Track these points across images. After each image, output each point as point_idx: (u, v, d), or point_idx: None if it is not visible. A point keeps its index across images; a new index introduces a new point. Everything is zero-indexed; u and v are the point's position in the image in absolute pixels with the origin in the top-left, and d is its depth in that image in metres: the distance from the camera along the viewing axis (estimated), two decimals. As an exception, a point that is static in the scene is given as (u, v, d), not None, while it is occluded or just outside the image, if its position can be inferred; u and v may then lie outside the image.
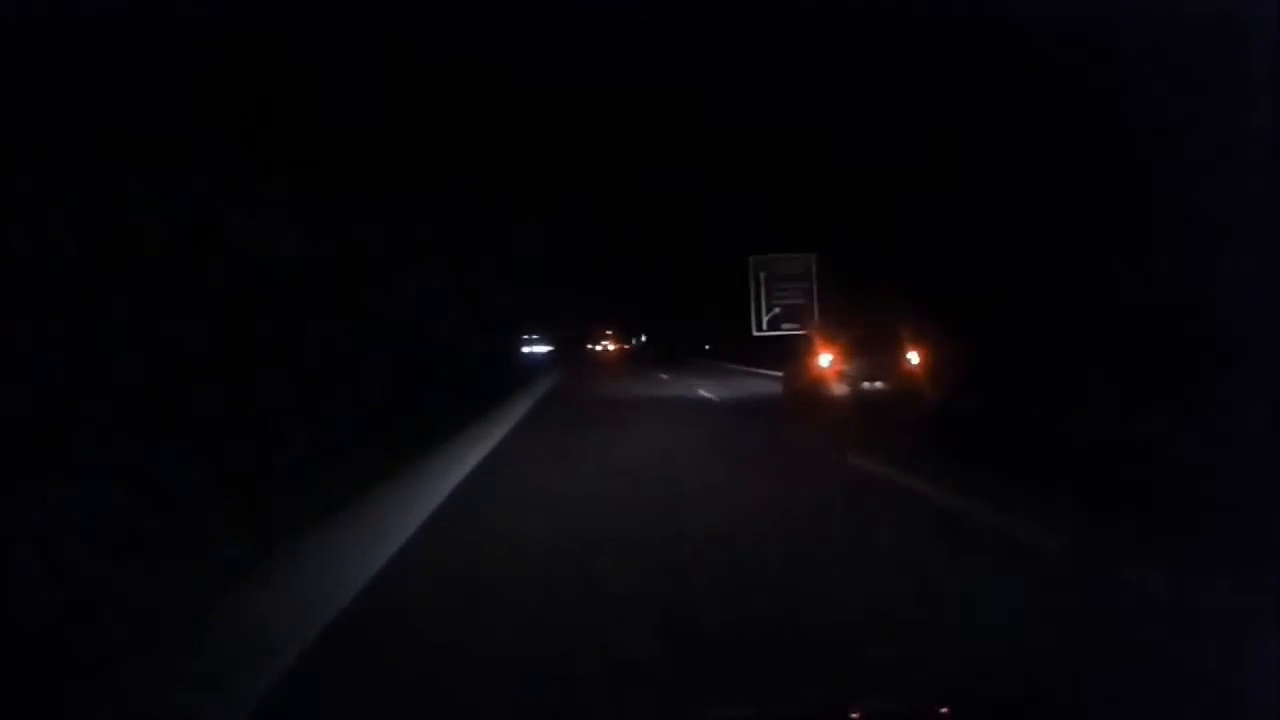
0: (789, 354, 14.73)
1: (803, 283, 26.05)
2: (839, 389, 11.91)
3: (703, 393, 18.09)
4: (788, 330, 23.24)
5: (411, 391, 11.48)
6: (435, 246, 15.25)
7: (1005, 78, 12.93)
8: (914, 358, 11.83)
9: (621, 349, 67.14)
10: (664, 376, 25.16)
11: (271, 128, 8.68)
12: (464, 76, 16.69)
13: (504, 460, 8.80)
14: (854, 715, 2.32)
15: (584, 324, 65.45)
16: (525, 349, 38.90)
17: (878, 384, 11.75)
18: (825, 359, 12.22)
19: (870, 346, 11.93)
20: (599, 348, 68.06)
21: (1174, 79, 9.28)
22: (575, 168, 32.10)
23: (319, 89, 9.67)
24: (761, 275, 26.49)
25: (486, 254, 20.96)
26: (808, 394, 12.49)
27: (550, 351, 43.20)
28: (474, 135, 19.52)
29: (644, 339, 71.78)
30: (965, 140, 15.07)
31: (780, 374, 15.36)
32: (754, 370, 24.52)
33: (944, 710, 2.29)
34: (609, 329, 70.83)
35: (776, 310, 26.06)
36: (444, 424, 9.95)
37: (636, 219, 44.91)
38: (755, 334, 26.33)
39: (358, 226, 11.29)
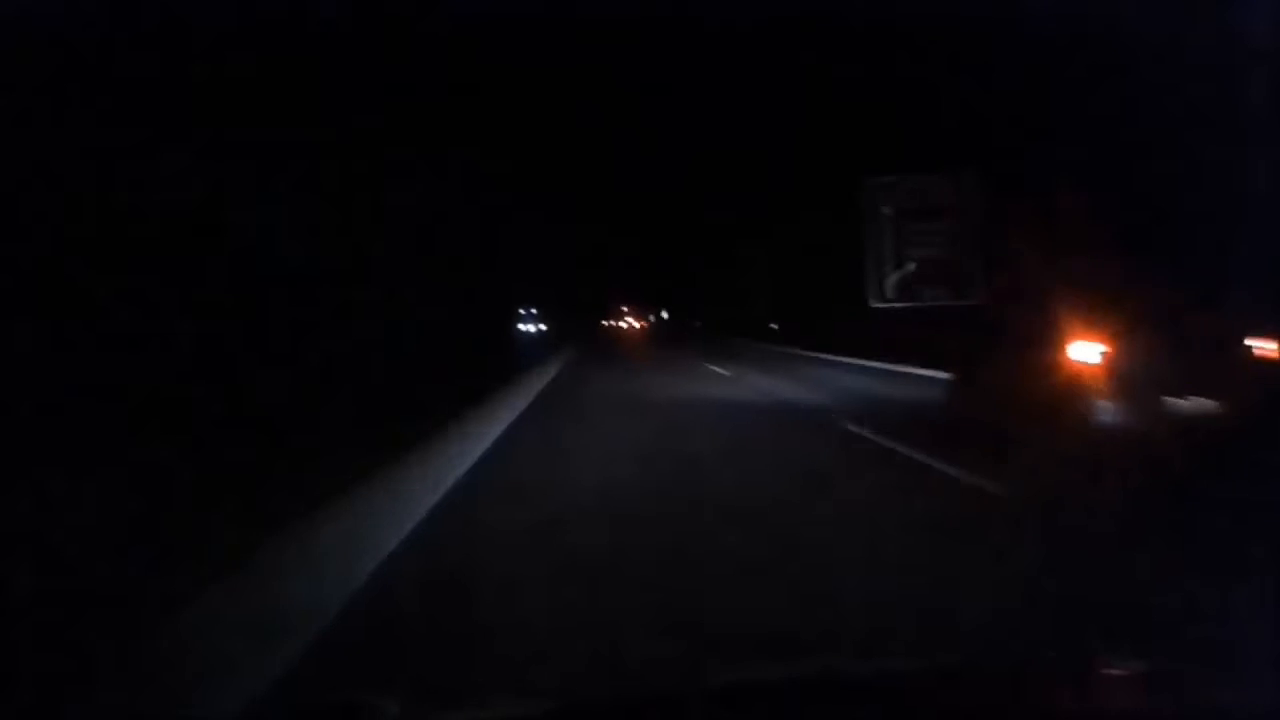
0: (981, 339, 8.57)
1: (951, 222, 15.51)
2: (1113, 411, 6.54)
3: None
4: (931, 300, 15.12)
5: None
6: (434, 223, 14.69)
7: (1004, 76, 12.93)
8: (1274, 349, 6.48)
9: (645, 327, 55.93)
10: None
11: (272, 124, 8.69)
12: (471, 51, 16.39)
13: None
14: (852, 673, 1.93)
15: (595, 296, 55.63)
16: (521, 326, 32.00)
17: (1202, 400, 6.34)
18: (1088, 351, 6.76)
19: (1182, 331, 6.48)
20: (621, 324, 57.39)
21: (1174, 79, 9.30)
22: (592, 118, 31.62)
23: (320, 87, 9.68)
24: (885, 210, 15.98)
25: (488, 225, 19.94)
26: (1031, 419, 6.62)
27: (546, 331, 33.30)
28: (483, 108, 18.77)
29: (664, 315, 61.64)
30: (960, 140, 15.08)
31: (950, 376, 9.24)
32: (864, 364, 16.27)
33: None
34: (625, 305, 59.50)
35: (911, 267, 15.97)
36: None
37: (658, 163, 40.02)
38: (876, 305, 16.61)
39: (349, 206, 11.12)
